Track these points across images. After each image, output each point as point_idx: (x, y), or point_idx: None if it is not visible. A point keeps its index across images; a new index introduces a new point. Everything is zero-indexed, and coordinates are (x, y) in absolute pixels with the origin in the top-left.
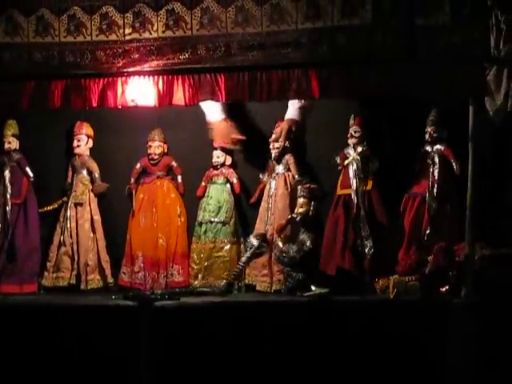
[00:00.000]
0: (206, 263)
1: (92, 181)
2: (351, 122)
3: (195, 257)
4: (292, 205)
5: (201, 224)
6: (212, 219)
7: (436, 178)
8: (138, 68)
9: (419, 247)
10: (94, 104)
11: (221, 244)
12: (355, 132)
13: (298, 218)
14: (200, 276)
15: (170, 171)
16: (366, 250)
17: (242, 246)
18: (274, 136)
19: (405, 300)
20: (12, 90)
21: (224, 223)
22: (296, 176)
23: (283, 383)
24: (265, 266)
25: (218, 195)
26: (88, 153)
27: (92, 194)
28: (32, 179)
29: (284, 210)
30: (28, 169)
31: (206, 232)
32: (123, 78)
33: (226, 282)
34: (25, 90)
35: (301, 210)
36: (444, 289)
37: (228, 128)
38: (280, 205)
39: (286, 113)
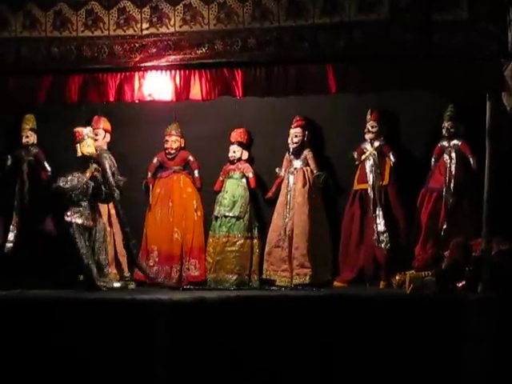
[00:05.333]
0: (218, 257)
1: None
2: (368, 116)
3: (211, 251)
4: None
5: (216, 218)
6: (226, 213)
7: (453, 173)
8: (155, 63)
9: (436, 242)
10: (112, 98)
11: (234, 239)
12: (372, 127)
13: None
14: (212, 270)
15: (187, 166)
16: (383, 245)
17: (255, 241)
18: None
19: (421, 295)
20: (30, 84)
21: (238, 218)
22: (315, 171)
23: (301, 376)
24: (284, 261)
25: (233, 190)
26: (105, 147)
27: None
28: (50, 173)
29: (303, 205)
30: (46, 163)
31: (220, 226)
32: (140, 73)
33: None
34: (42, 85)
35: None
36: (460, 284)
37: None
38: (299, 199)
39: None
